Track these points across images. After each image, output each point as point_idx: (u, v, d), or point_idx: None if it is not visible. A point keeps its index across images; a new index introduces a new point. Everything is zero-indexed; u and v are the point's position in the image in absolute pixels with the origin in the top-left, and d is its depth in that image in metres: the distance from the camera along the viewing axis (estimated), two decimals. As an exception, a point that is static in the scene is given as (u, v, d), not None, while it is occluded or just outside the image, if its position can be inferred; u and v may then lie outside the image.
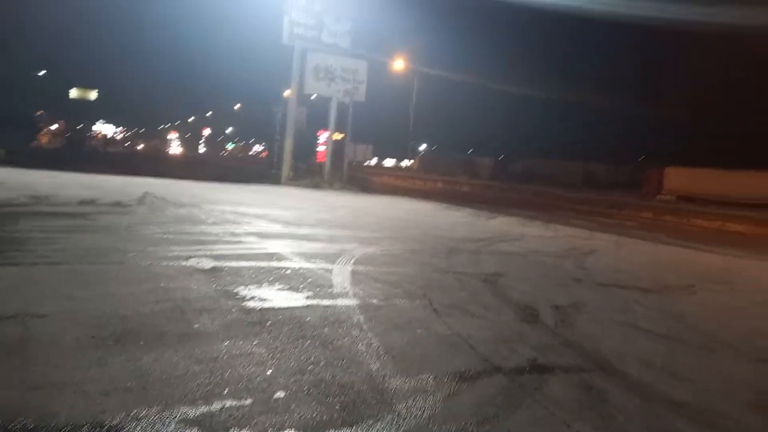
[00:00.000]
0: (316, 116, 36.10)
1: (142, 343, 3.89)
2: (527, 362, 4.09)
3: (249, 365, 3.67)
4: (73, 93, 76.73)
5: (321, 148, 48.50)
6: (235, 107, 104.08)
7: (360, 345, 4.21)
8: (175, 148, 73.42)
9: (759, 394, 3.93)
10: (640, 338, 5.05)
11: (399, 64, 42.39)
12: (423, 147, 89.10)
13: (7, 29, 53.46)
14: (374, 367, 3.80)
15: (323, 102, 29.00)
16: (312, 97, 30.34)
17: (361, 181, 27.67)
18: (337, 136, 28.59)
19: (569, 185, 47.96)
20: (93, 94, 78.69)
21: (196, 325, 4.35)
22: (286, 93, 41.39)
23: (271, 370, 3.62)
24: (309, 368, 3.71)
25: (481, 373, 3.81)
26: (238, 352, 3.88)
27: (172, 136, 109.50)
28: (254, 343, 4.08)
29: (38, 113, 66.95)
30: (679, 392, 3.77)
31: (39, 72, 65.83)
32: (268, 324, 4.52)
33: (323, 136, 47.46)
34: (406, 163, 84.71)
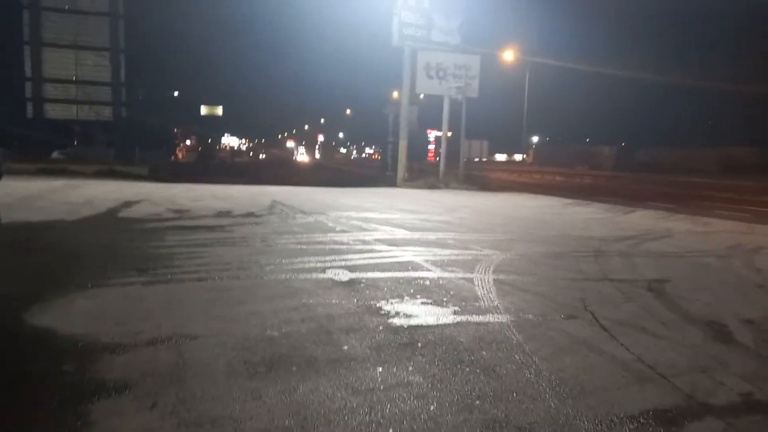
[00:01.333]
0: (424, 115, 35.87)
1: (294, 369, 3.67)
2: (741, 399, 3.33)
3: (409, 398, 3.29)
4: (204, 110, 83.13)
5: (431, 147, 48.28)
6: (347, 112, 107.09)
7: (527, 373, 3.69)
8: (302, 156, 75.88)
9: None
10: None
11: (509, 56, 40.74)
12: (535, 139, 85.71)
13: (142, 54, 58.90)
14: (552, 403, 3.26)
15: (431, 101, 28.60)
16: (420, 97, 30.10)
17: (477, 179, 26.83)
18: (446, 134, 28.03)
19: (706, 172, 43.42)
20: (220, 110, 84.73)
21: (345, 347, 4.08)
22: (395, 94, 41.56)
23: (434, 405, 3.22)
24: (476, 404, 3.25)
25: (687, 414, 3.13)
26: (394, 381, 3.53)
27: (291, 144, 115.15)
28: (409, 370, 3.71)
29: (175, 130, 73.44)
30: None
31: (173, 92, 72.02)
32: (419, 345, 4.14)
33: (433, 135, 47.25)
34: (518, 156, 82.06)
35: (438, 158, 34.75)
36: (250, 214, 11.42)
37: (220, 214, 11.34)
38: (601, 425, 3.01)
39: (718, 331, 4.64)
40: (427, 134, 48.30)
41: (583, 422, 3.04)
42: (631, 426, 3.00)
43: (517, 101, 54.77)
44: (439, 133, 36.22)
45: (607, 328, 4.62)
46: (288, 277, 6.11)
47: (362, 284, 5.88)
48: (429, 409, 3.18)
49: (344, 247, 7.99)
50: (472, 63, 25.79)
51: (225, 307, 4.96)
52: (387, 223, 10.85)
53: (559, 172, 43.97)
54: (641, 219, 13.67)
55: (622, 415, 3.11)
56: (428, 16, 24.52)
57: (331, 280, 6.04)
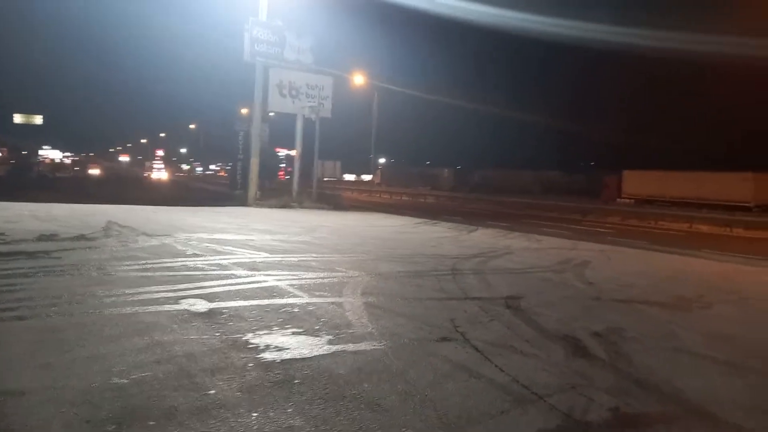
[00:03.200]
0: (275, 133, 35.27)
1: (151, 423, 3.11)
2: (612, 414, 3.51)
3: (293, 446, 2.95)
4: (18, 119, 72.62)
5: (282, 165, 47.52)
6: (191, 126, 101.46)
7: (413, 404, 3.54)
8: (159, 172, 62.40)
9: None
10: (707, 369, 4.56)
11: (359, 80, 41.88)
12: (382, 160, 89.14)
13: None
14: (444, 436, 3.13)
15: (282, 119, 28.16)
16: (270, 114, 29.52)
17: (330, 198, 26.85)
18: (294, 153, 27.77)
19: (528, 192, 48.51)
20: (39, 119, 74.72)
21: (212, 392, 3.59)
22: (245, 111, 40.30)
23: (322, 452, 2.91)
24: (367, 444, 3.01)
25: (570, 434, 3.20)
26: (272, 428, 3.15)
27: (125, 158, 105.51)
28: (288, 412, 3.35)
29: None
30: (796, 441, 3.26)
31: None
32: (296, 383, 3.79)
33: (283, 153, 46.60)
34: (366, 177, 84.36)
35: (289, 177, 34.29)
36: (81, 237, 10.02)
37: (43, 237, 9.78)
38: (495, 455, 2.95)
39: (575, 346, 4.95)
40: (276, 152, 47.55)
41: (477, 454, 2.95)
42: (522, 452, 2.98)
43: (366, 123, 56.47)
44: (290, 152, 35.83)
45: (480, 349, 4.68)
46: (134, 310, 5.34)
47: (224, 315, 5.34)
48: (316, 457, 2.87)
49: (199, 273, 7.30)
50: (325, 83, 25.94)
51: (56, 351, 4.14)
52: (244, 245, 10.22)
53: (405, 192, 45.90)
54: (484, 237, 14.62)
55: (511, 442, 3.09)
56: (281, 33, 24.19)
57: (188, 311, 5.40)
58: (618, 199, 41.10)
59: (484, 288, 7.48)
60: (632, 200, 39.86)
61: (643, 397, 3.81)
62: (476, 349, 4.69)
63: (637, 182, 42.33)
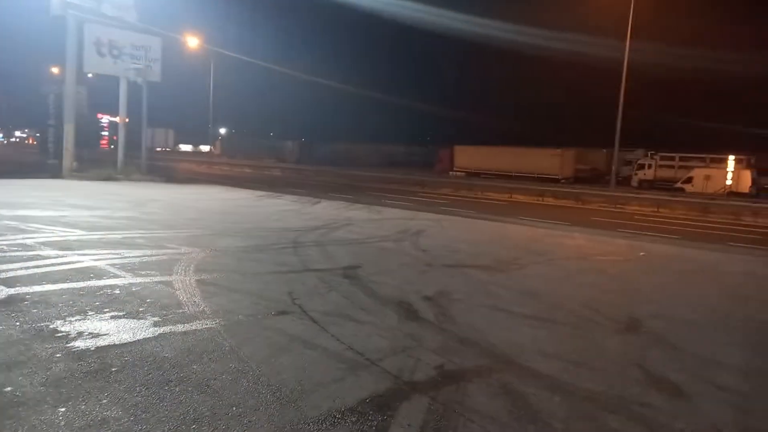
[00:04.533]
0: (97, 97, 31.64)
1: None
2: (437, 372, 3.74)
3: (107, 440, 2.68)
4: None
5: (105, 134, 42.96)
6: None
7: (245, 382, 3.43)
8: None
9: (640, 367, 4.13)
10: (519, 324, 5.07)
11: (194, 43, 39.04)
12: (223, 131, 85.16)
13: None
14: (275, 410, 3.08)
15: (105, 82, 25.35)
16: (89, 76, 26.37)
17: (163, 170, 24.96)
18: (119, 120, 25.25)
19: (371, 165, 50.06)
20: None
21: (8, 389, 3.12)
22: (55, 70, 35.35)
23: (141, 442, 2.69)
24: (192, 428, 2.85)
25: (399, 396, 3.35)
26: (83, 422, 2.84)
27: None
28: (103, 404, 3.04)
29: None
30: (587, 382, 3.77)
31: None
32: (113, 371, 3.46)
33: (106, 120, 42.05)
34: (205, 148, 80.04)
35: (113, 146, 31.06)
36: None
37: None
38: (326, 424, 2.97)
39: (408, 310, 5.20)
40: (98, 119, 42.74)
41: (308, 425, 2.95)
42: (352, 418, 3.04)
43: (204, 91, 53.16)
44: (114, 119, 32.41)
45: (317, 320, 4.69)
46: None
47: (26, 302, 4.68)
48: (135, 449, 2.64)
49: (-5, 255, 6.30)
50: (153, 44, 23.76)
51: None
52: (55, 222, 9.04)
53: (248, 165, 44.42)
54: (327, 209, 14.73)
55: (343, 409, 3.14)
56: (98, -16, 21.54)
57: (-21, 300, 4.64)
58: (450, 172, 44.11)
59: (324, 259, 7.52)
60: (463, 173, 43.08)
61: (464, 354, 4.13)
62: (313, 320, 4.69)
63: (466, 156, 45.77)
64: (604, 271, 8.10)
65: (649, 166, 36.40)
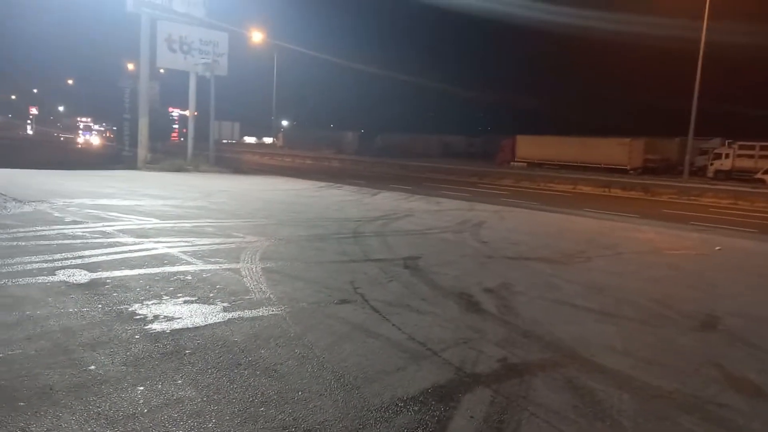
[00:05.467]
0: (167, 92, 33.06)
1: (22, 404, 2.84)
2: (500, 365, 3.70)
3: (181, 419, 2.82)
4: None
5: (175, 126, 44.82)
6: (69, 82, 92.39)
7: (310, 367, 3.51)
8: (93, 136, 47.25)
9: (717, 366, 3.93)
10: (585, 318, 4.93)
11: (258, 37, 40.02)
12: (285, 123, 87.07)
13: None
14: (339, 397, 3.15)
15: (175, 77, 26.42)
16: (161, 71, 27.57)
17: (229, 161, 25.84)
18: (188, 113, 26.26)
19: (430, 156, 49.81)
20: None
21: (92, 367, 3.34)
22: (131, 66, 37.20)
23: (212, 422, 2.81)
24: (261, 411, 2.95)
25: (461, 387, 3.33)
26: (160, 400, 3.00)
27: None
28: (178, 384, 3.20)
29: None
30: (658, 380, 3.62)
31: None
32: (187, 353, 3.63)
33: (176, 113, 43.87)
34: (268, 140, 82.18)
35: (183, 139, 32.37)
36: (-62, 205, 8.89)
37: None
38: (388, 412, 3.01)
39: (469, 302, 5.16)
40: (169, 112, 44.60)
41: (371, 412, 2.99)
42: (415, 408, 3.06)
43: (267, 84, 54.42)
44: (184, 112, 33.76)
45: (378, 309, 4.74)
46: (2, 283, 4.84)
47: (107, 286, 4.98)
48: (207, 427, 2.77)
49: (79, 242, 6.73)
50: (220, 39, 24.54)
51: None
52: (132, 211, 9.57)
53: (309, 156, 45.22)
54: (386, 200, 14.80)
55: (405, 398, 3.16)
56: (169, -18, 22.43)
57: (65, 283, 4.98)
58: (512, 163, 43.21)
59: (384, 249, 7.57)
60: (525, 163, 42.10)
61: (527, 347, 4.06)
62: (374, 309, 4.74)
63: (529, 146, 44.66)
64: (677, 266, 7.73)
65: (727, 156, 34.25)
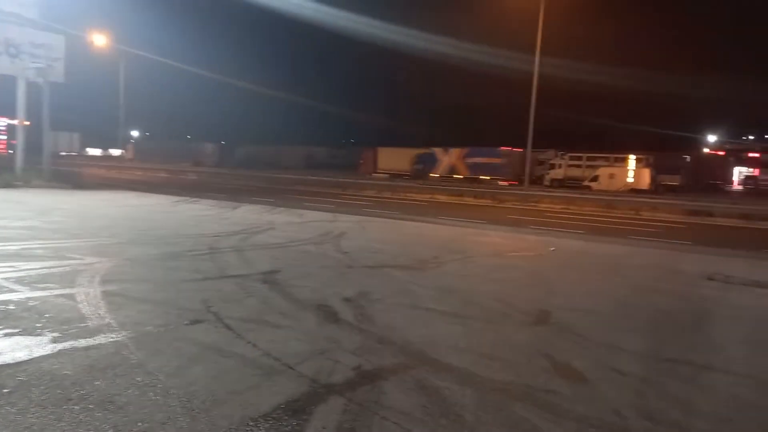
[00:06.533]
0: (-7, 99, 29.16)
1: None
2: (354, 373, 3.76)
3: (-5, 468, 2.48)
4: None
5: (2, 138, 39.70)
6: None
7: (153, 395, 3.29)
8: None
9: (547, 356, 4.35)
10: (434, 320, 5.19)
11: (101, 41, 36.87)
12: (135, 134, 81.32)
13: None
14: (184, 423, 2.98)
15: (3, 82, 23.42)
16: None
17: (69, 176, 23.37)
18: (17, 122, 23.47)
19: (293, 168, 49.61)
20: None
21: None
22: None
23: (35, 467, 2.51)
24: (95, 448, 2.70)
25: (315, 399, 3.33)
26: (-32, 451, 2.61)
27: None
28: (-8, 429, 2.81)
29: None
30: (496, 373, 3.91)
31: None
32: (4, 392, 3.21)
33: (3, 123, 38.85)
34: (116, 152, 76.17)
35: (12, 150, 28.72)
36: None
37: None
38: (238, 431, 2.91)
39: (327, 313, 5.19)
40: (-6, 121, 39.39)
41: (221, 436, 2.87)
42: (266, 425, 3.00)
43: (114, 93, 50.37)
44: (12, 121, 29.99)
45: (233, 327, 4.58)
46: None
47: None
48: (28, 475, 2.46)
49: None
50: (55, 43, 22.24)
51: None
52: (-59, 234, 8.26)
53: (163, 169, 42.59)
54: (247, 213, 14.41)
55: (256, 416, 3.08)
56: (-9, -23, 19.90)
57: None
58: (374, 174, 44.44)
59: (242, 265, 7.35)
60: (386, 174, 43.55)
61: (382, 353, 4.17)
62: (228, 327, 4.57)
63: (390, 158, 46.30)
64: (518, 267, 8.47)
65: (560, 166, 38.36)
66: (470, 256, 9.33)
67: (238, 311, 5.05)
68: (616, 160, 34.99)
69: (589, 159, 36.80)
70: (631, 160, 33.46)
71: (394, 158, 45.87)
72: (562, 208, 23.12)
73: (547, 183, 36.72)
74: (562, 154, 38.33)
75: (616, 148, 37.74)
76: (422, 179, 37.29)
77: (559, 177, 37.16)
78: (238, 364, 3.82)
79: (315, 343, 4.32)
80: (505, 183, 34.86)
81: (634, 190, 30.73)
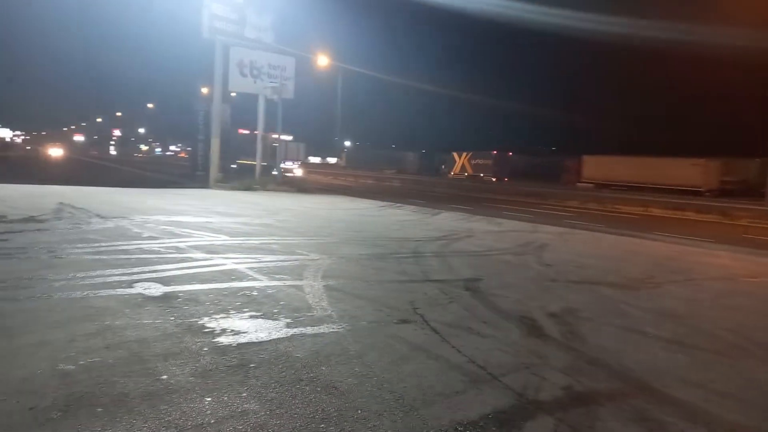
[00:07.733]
0: (237, 113, 34.45)
1: (99, 410, 3.02)
2: (564, 392, 3.59)
3: (246, 430, 2.91)
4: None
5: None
6: (149, 106, 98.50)
7: (369, 386, 3.54)
8: (56, 150, 59.06)
9: (803, 405, 3.65)
10: (653, 346, 4.71)
11: (323, 61, 41.22)
12: (348, 143, 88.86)
13: None
14: (398, 417, 3.15)
15: (244, 100, 27.56)
16: (232, 95, 28.84)
17: (294, 181, 26.62)
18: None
19: (493, 174, 49.33)
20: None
21: (164, 377, 3.51)
22: (205, 90, 39.20)
23: (276, 436, 2.89)
24: (321, 428, 3.00)
25: (522, 414, 3.26)
26: (226, 412, 3.11)
27: (80, 138, 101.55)
28: (243, 396, 3.31)
29: None
30: (732, 414, 3.41)
31: None
32: (252, 366, 3.75)
33: (245, 134, 45.57)
34: (332, 160, 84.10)
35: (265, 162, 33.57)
36: (30, 219, 9.65)
37: (-10, 219, 9.38)
38: (448, 435, 2.98)
39: (531, 326, 5.05)
40: (239, 134, 46.52)
41: (431, 435, 2.98)
42: None
43: (331, 105, 55.89)
44: (255, 133, 35.05)
45: (438, 330, 4.72)
46: (85, 294, 5.18)
47: (179, 299, 5.23)
48: (270, 441, 2.85)
49: (154, 256, 7.12)
50: (287, 64, 25.48)
51: (1, 338, 3.98)
52: (203, 227, 10.02)
53: (370, 176, 45.83)
54: (447, 220, 14.75)
55: (465, 422, 3.12)
56: (241, 10, 23.58)
57: (141, 295, 5.27)
58: (578, 183, 42.04)
59: (445, 270, 7.55)
60: (592, 184, 40.86)
61: (593, 375, 3.92)
62: (434, 330, 4.73)
63: (595, 167, 43.33)
64: (754, 295, 7.26)
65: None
66: (693, 278, 8.27)
67: (442, 315, 5.19)
68: None
69: None
70: None
71: (600, 167, 42.85)
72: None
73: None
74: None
75: None
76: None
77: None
78: (444, 368, 3.92)
79: (519, 355, 4.24)
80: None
81: None
